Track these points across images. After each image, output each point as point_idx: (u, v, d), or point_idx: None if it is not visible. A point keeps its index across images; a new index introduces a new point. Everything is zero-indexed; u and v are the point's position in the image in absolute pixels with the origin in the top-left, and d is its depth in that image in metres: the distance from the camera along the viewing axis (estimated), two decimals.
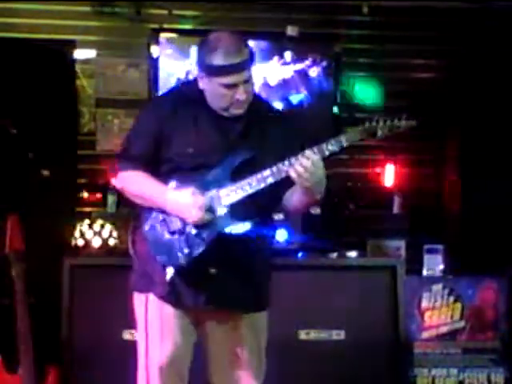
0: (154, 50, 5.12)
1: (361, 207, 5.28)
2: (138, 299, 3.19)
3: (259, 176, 3.01)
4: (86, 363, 4.29)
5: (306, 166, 2.91)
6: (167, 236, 3.08)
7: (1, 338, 3.96)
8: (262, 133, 3.12)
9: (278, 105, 5.17)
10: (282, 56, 5.25)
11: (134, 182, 3.16)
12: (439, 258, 4.81)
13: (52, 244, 4.59)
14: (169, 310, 3.13)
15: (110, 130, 5.31)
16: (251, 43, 4.89)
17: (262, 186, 3.01)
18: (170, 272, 3.05)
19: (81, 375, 4.28)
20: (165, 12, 5.27)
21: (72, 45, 5.18)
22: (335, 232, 4.97)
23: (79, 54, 5.22)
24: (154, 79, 5.15)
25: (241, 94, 3.03)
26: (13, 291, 3.80)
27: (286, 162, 2.97)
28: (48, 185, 4.81)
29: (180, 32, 5.22)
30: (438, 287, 4.68)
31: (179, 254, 3.04)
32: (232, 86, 3.01)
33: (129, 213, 4.87)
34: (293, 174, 2.94)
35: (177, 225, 3.06)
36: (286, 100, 5.27)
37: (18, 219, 3.82)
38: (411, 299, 4.63)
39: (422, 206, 5.27)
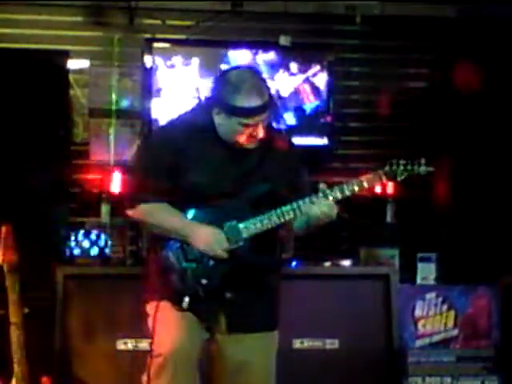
0: (148, 60, 5.12)
1: (354, 216, 5.28)
2: (150, 307, 3.17)
3: (279, 211, 3.06)
4: (80, 373, 4.28)
5: (325, 204, 3.04)
6: (185, 264, 3.09)
7: None
8: (275, 162, 3.15)
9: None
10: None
11: (155, 214, 3.14)
12: (432, 266, 4.82)
13: (46, 254, 4.59)
14: (178, 313, 3.12)
15: (104, 139, 5.31)
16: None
17: (282, 221, 3.07)
18: (186, 300, 3.06)
19: None
20: (158, 22, 5.28)
21: (65, 55, 5.17)
22: (328, 241, 4.96)
23: (72, 64, 5.21)
24: (147, 89, 5.15)
25: (258, 132, 3.06)
26: (6, 302, 3.80)
27: (307, 200, 3.04)
28: (41, 194, 4.80)
29: (173, 42, 5.22)
30: (431, 296, 4.68)
31: (197, 284, 3.06)
32: (251, 126, 3.03)
33: (123, 223, 4.91)
34: (312, 212, 3.03)
35: (195, 254, 3.08)
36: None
37: (12, 229, 3.81)
38: (405, 308, 4.63)
39: (415, 215, 5.28)
